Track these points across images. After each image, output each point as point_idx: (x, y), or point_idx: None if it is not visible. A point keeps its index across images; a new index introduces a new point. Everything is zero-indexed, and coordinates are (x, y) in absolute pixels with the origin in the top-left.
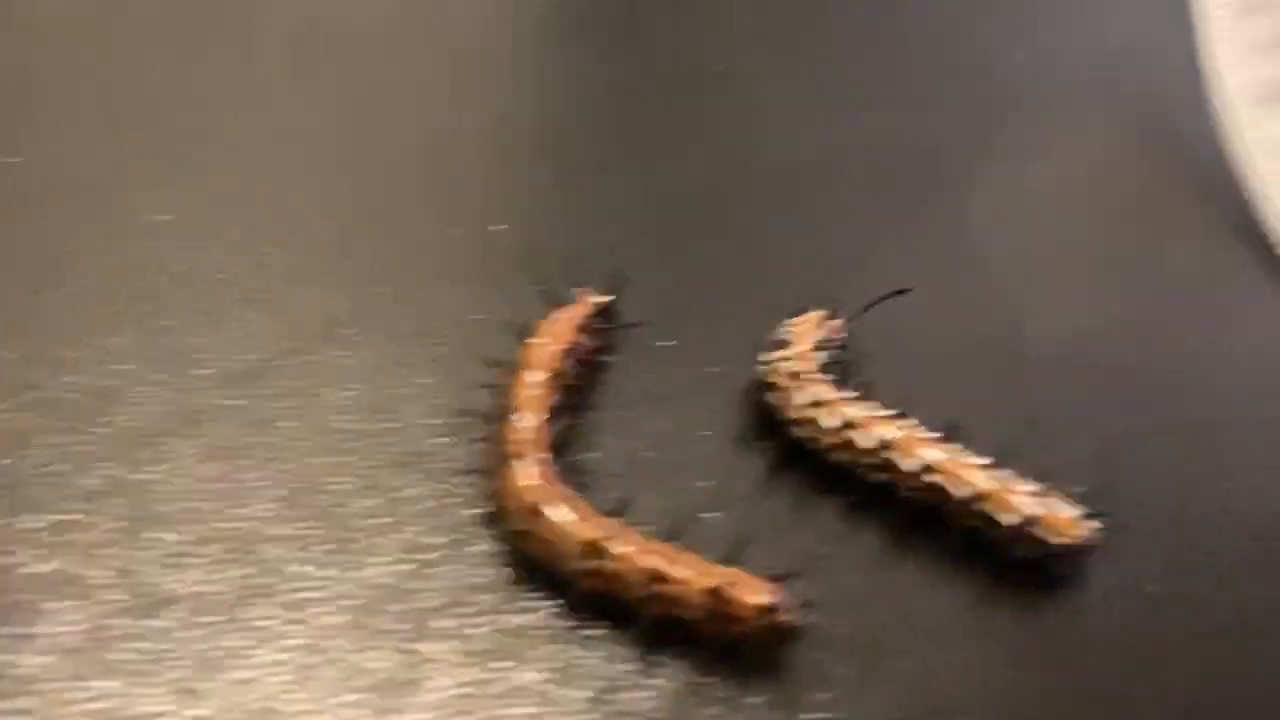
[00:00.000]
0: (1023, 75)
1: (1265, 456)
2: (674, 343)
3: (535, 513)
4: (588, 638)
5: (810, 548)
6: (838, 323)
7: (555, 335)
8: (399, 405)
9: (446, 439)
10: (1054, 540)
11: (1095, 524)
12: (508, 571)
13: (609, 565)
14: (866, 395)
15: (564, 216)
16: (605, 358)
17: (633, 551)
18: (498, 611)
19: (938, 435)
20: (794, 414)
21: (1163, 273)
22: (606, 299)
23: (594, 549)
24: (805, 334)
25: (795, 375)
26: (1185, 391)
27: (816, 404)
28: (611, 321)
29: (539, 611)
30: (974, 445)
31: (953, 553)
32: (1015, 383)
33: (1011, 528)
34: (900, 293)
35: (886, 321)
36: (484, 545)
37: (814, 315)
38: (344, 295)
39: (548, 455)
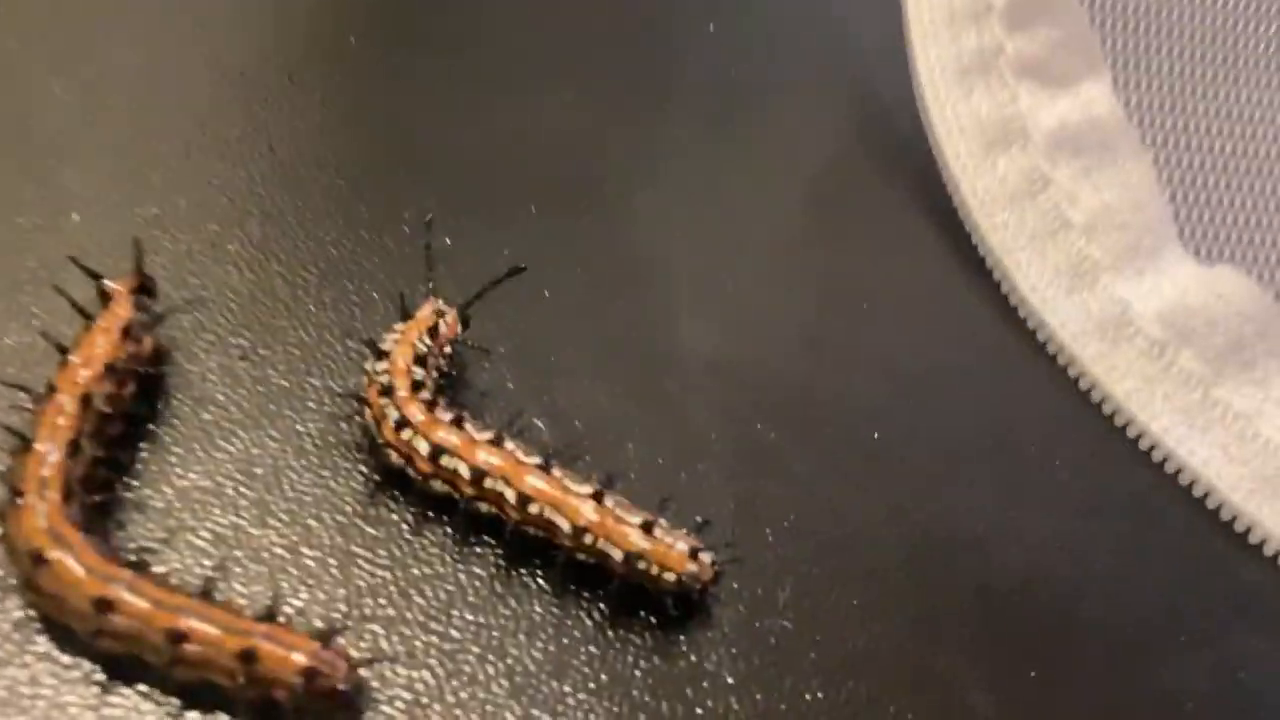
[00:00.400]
0: (706, 58)
1: (917, 479)
2: (267, 352)
3: (40, 560)
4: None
5: (396, 586)
6: (451, 321)
7: (88, 351)
8: None
9: None
10: (664, 576)
11: (709, 559)
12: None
13: (124, 624)
14: (475, 412)
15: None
16: (159, 371)
17: (147, 608)
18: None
19: (539, 462)
20: (387, 436)
21: (841, 272)
22: (137, 298)
23: (106, 604)
24: (408, 340)
25: (388, 391)
26: (848, 409)
27: (407, 426)
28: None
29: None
30: (598, 466)
31: (563, 588)
32: (660, 397)
33: (619, 564)
34: (516, 272)
35: (530, 327)
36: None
37: (423, 313)
38: None
39: (64, 493)
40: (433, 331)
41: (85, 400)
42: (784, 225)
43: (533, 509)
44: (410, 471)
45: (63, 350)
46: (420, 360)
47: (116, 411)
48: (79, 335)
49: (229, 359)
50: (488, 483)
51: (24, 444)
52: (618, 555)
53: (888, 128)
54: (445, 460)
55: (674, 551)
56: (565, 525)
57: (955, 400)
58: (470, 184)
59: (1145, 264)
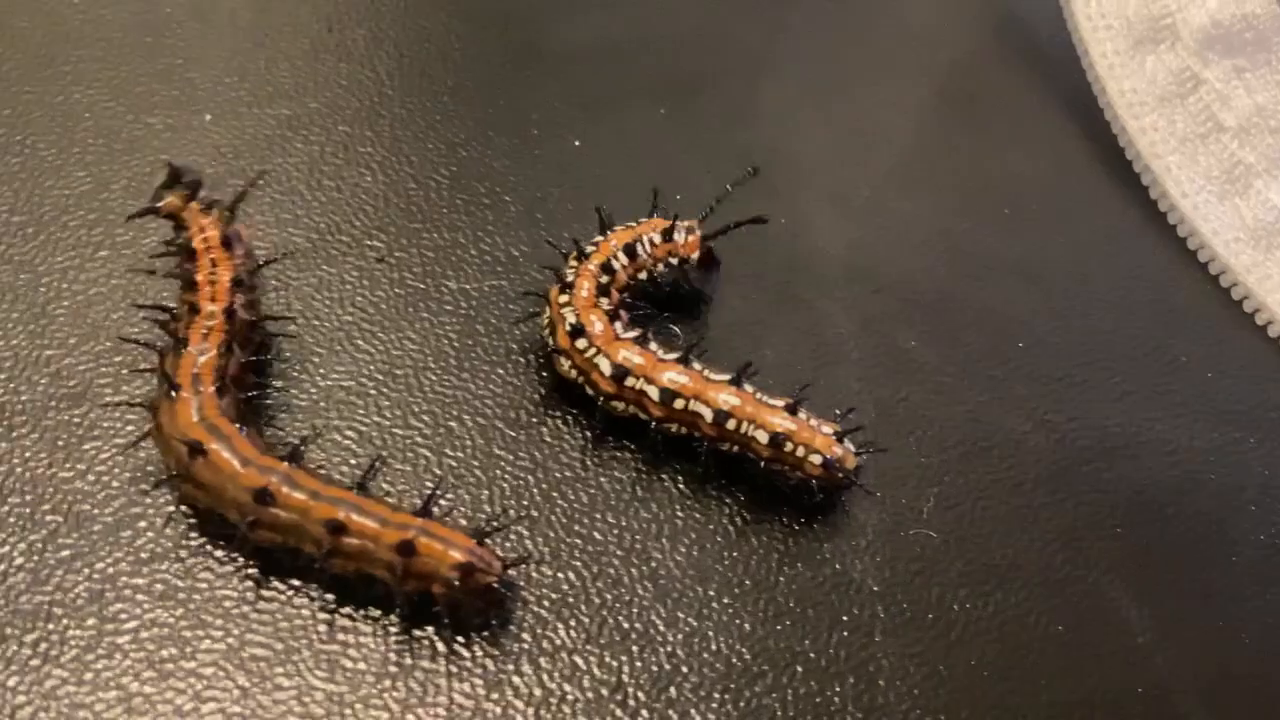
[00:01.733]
0: None
1: (1062, 389)
2: (402, 254)
3: (198, 451)
4: (264, 600)
5: (538, 489)
6: (691, 241)
7: (226, 259)
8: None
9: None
10: (810, 459)
11: (852, 447)
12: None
13: (282, 515)
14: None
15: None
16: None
17: (305, 499)
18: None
19: (677, 357)
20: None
21: (980, 175)
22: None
23: (264, 495)
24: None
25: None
26: (991, 317)
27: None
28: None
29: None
30: (726, 362)
31: (704, 493)
32: (795, 301)
33: (764, 447)
34: (759, 220)
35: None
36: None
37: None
38: None
39: (218, 388)
40: (667, 234)
41: (228, 313)
42: (918, 125)
43: (677, 404)
44: (566, 366)
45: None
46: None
47: (257, 314)
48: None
49: (365, 261)
50: (629, 381)
51: (178, 344)
52: (763, 437)
53: (1027, 24)
54: (589, 353)
55: (820, 434)
56: (708, 413)
57: (1103, 309)
58: (596, 82)
59: None
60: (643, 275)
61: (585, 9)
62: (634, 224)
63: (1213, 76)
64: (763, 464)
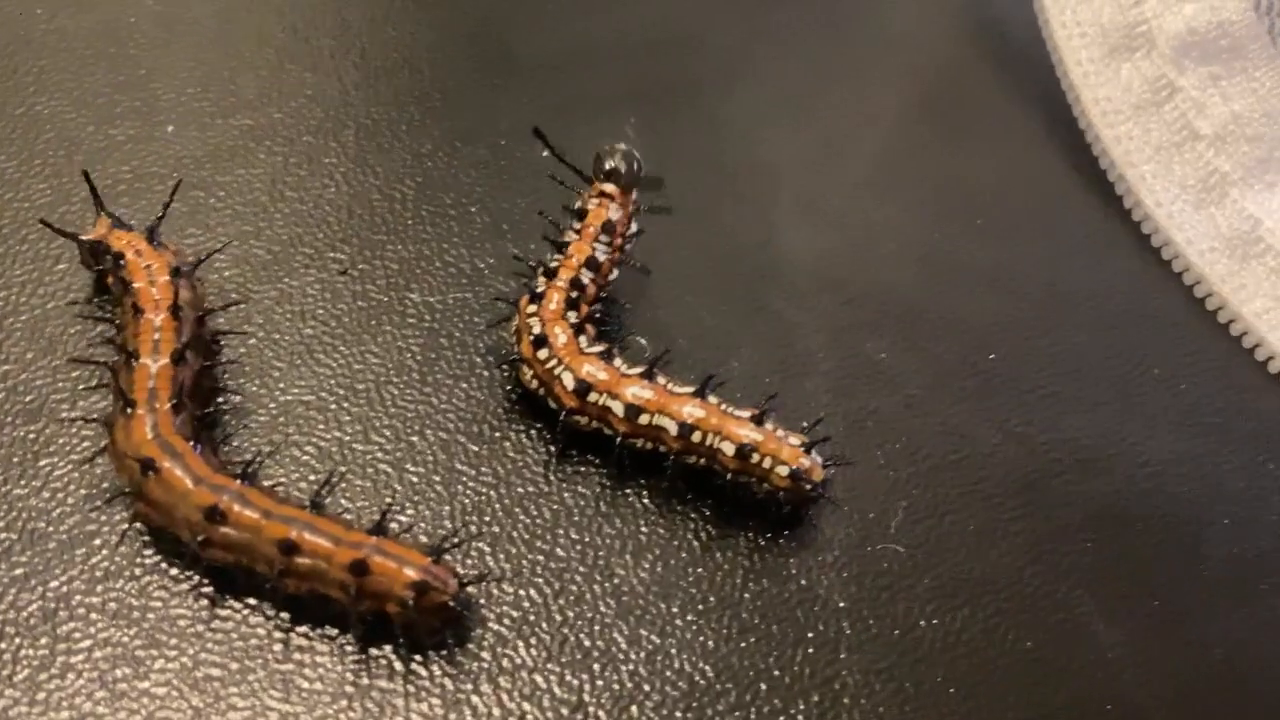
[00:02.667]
0: None
1: (1034, 401)
2: (365, 266)
3: (151, 469)
4: (219, 619)
5: (500, 504)
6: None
7: (158, 255)
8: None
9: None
10: (777, 470)
11: (820, 460)
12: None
13: (234, 534)
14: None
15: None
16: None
17: (258, 518)
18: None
19: (641, 371)
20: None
21: (954, 183)
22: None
23: (216, 514)
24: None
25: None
26: (963, 328)
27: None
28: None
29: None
30: (693, 374)
31: (669, 508)
32: (765, 311)
33: (731, 459)
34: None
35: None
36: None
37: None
38: None
39: (173, 405)
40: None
41: (173, 310)
42: (892, 133)
43: (641, 419)
44: (528, 376)
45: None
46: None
47: (202, 315)
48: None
49: (328, 273)
50: (592, 397)
51: (129, 357)
52: (729, 449)
53: (1003, 31)
54: (550, 365)
55: (787, 445)
56: (673, 427)
57: (1076, 319)
58: (566, 91)
59: (1277, 178)
60: (612, 277)
61: (555, 17)
62: (577, 227)
63: (1188, 84)
64: (729, 476)
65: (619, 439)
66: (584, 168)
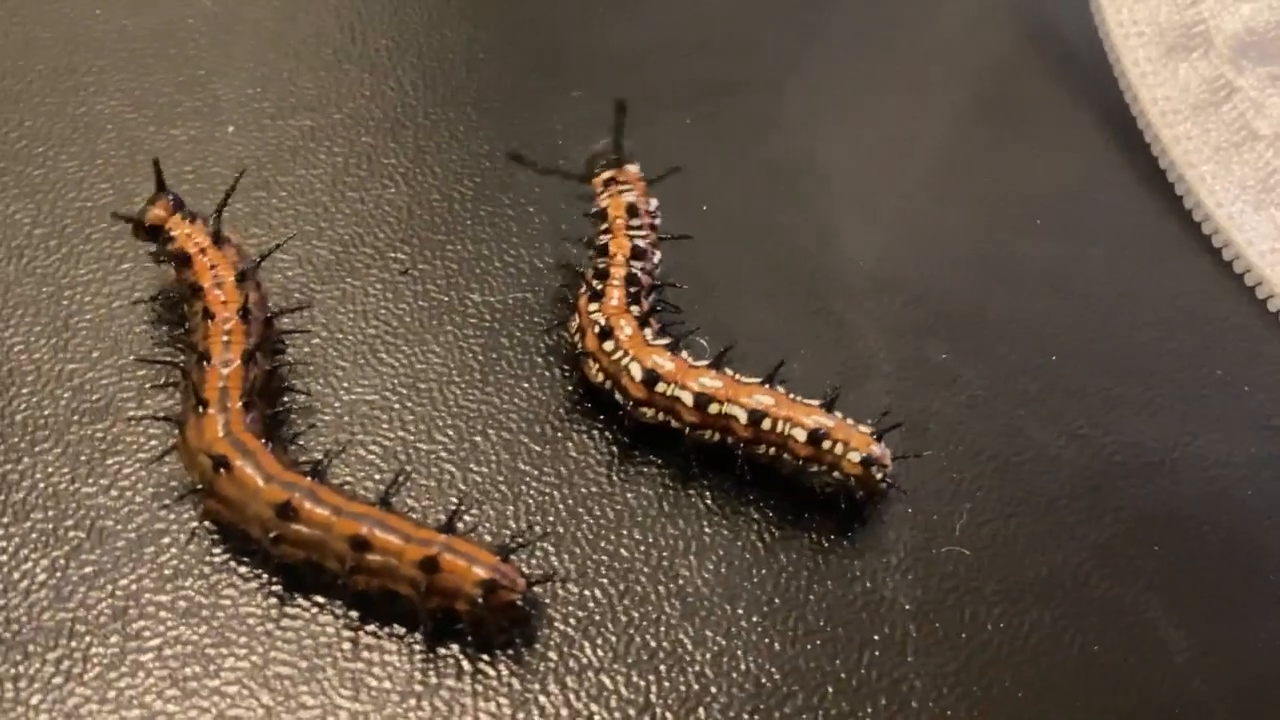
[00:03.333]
0: None
1: (1097, 403)
2: (426, 266)
3: (223, 466)
4: (289, 617)
5: (564, 504)
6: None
7: (223, 258)
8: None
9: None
10: (848, 457)
11: (889, 451)
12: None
13: (305, 530)
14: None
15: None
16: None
17: (329, 515)
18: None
19: (706, 364)
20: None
21: (1011, 183)
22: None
23: (288, 510)
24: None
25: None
26: (1024, 329)
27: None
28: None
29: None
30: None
31: (734, 509)
32: (823, 313)
33: (802, 445)
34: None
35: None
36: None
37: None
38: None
39: (243, 404)
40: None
41: (242, 313)
42: (949, 132)
43: (711, 408)
44: (594, 370)
45: (194, 288)
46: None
47: (270, 316)
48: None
49: (389, 273)
50: (660, 387)
51: (200, 357)
52: (801, 434)
53: (1059, 30)
54: (617, 357)
55: (858, 431)
56: (742, 415)
57: (1137, 320)
58: (621, 91)
59: None
60: (657, 260)
61: (610, 17)
62: (605, 226)
63: (1247, 84)
64: (800, 463)
65: (686, 430)
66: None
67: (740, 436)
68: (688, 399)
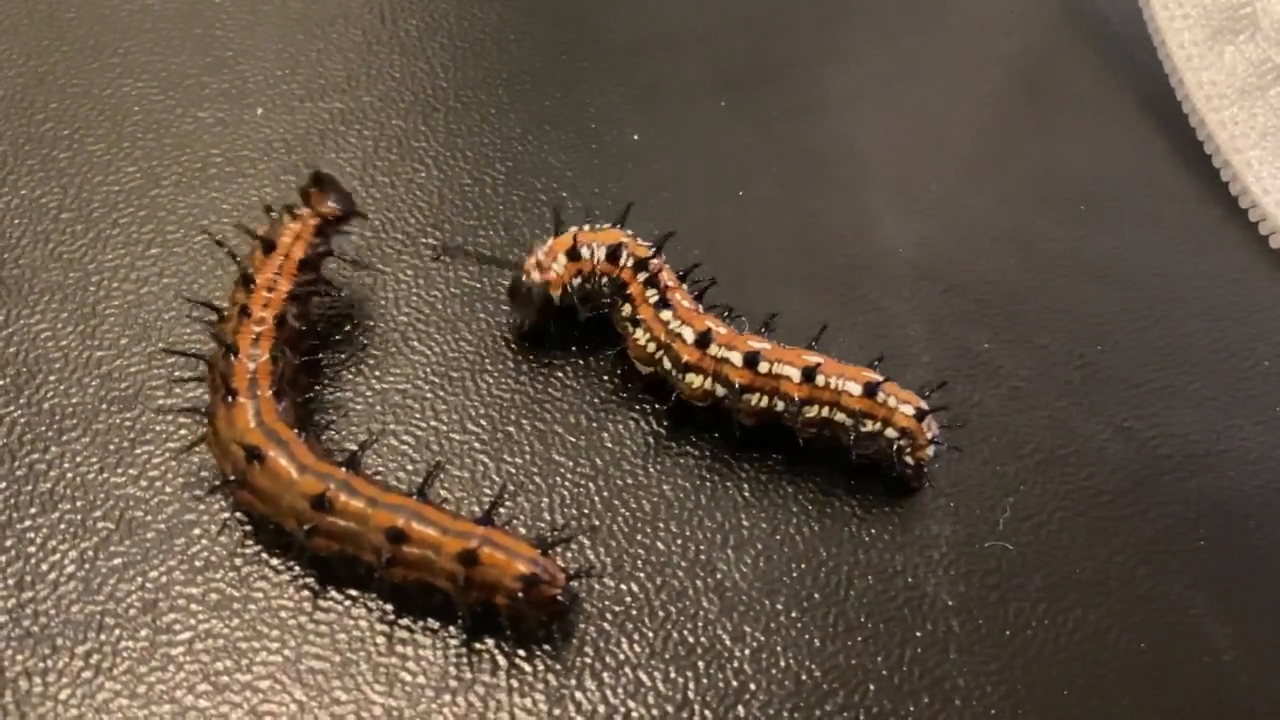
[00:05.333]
0: None
1: (1142, 395)
2: (440, 247)
3: (256, 456)
4: (322, 611)
5: (600, 497)
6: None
7: (277, 259)
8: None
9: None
10: (901, 409)
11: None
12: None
13: (340, 522)
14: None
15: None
16: (348, 279)
17: (364, 506)
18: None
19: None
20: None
21: (1053, 169)
22: (338, 209)
23: (322, 501)
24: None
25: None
26: (1067, 318)
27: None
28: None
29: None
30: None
31: (772, 501)
32: (862, 301)
33: (857, 399)
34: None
35: (722, 226)
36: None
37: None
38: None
39: (273, 392)
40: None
41: (280, 320)
42: (988, 117)
43: (761, 367)
44: (643, 338)
45: (246, 278)
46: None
47: (307, 323)
48: (258, 260)
49: (420, 259)
50: (712, 350)
51: (228, 350)
52: (855, 389)
53: (1101, 12)
54: (673, 325)
55: (906, 392)
56: (795, 373)
57: (1183, 310)
58: (654, 74)
59: None
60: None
61: None
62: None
63: None
64: (852, 422)
65: (736, 394)
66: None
67: (792, 396)
68: (737, 359)
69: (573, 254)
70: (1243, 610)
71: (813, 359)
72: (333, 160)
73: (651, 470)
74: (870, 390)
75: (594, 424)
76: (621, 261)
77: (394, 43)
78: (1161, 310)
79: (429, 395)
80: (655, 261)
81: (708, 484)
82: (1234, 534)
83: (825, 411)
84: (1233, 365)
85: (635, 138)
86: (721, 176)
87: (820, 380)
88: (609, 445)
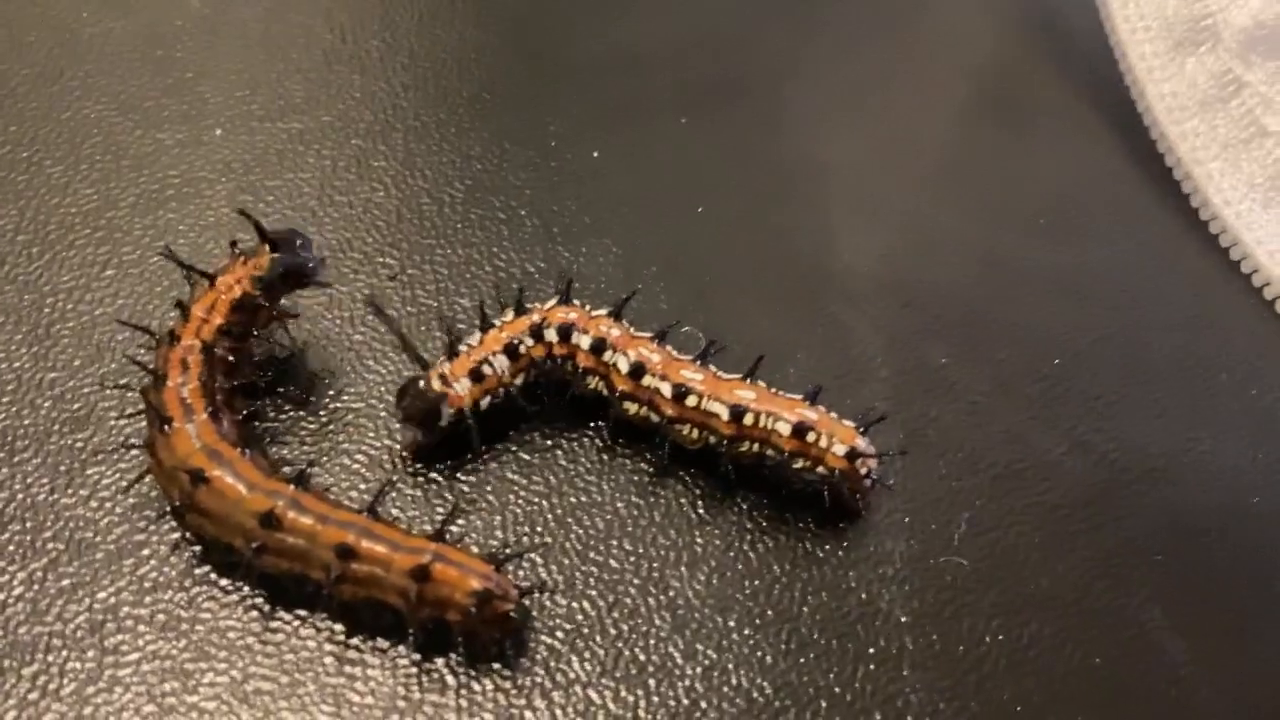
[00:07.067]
0: None
1: (1101, 408)
2: (415, 271)
3: (200, 479)
4: (270, 631)
5: (552, 514)
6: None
7: (213, 295)
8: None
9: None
10: (833, 450)
11: (873, 449)
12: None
13: (289, 540)
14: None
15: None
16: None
17: (313, 523)
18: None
19: (692, 359)
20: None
21: (1013, 183)
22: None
23: (270, 519)
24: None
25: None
26: (1025, 332)
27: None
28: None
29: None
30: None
31: (725, 519)
32: (821, 316)
33: (787, 439)
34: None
35: (683, 241)
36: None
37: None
38: None
39: (211, 413)
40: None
41: (207, 350)
42: (952, 132)
43: (689, 401)
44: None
45: (181, 306)
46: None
47: (239, 360)
48: (198, 291)
49: (377, 279)
50: (646, 380)
51: (157, 380)
52: (785, 428)
53: (1064, 26)
54: (606, 356)
55: (842, 425)
56: (723, 411)
57: (1143, 323)
58: (615, 92)
59: None
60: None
61: (604, 17)
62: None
63: (1256, 79)
64: (784, 458)
65: (666, 422)
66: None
67: (722, 433)
68: (667, 390)
69: (476, 374)
70: (1200, 624)
71: (742, 397)
72: (291, 180)
73: (605, 487)
74: (800, 431)
75: (548, 442)
76: (565, 346)
77: (354, 62)
78: (1121, 323)
79: (383, 414)
80: (608, 334)
81: (661, 501)
82: (1192, 547)
83: (756, 448)
84: (1192, 378)
85: (595, 155)
86: (682, 193)
87: (749, 420)
88: (562, 463)
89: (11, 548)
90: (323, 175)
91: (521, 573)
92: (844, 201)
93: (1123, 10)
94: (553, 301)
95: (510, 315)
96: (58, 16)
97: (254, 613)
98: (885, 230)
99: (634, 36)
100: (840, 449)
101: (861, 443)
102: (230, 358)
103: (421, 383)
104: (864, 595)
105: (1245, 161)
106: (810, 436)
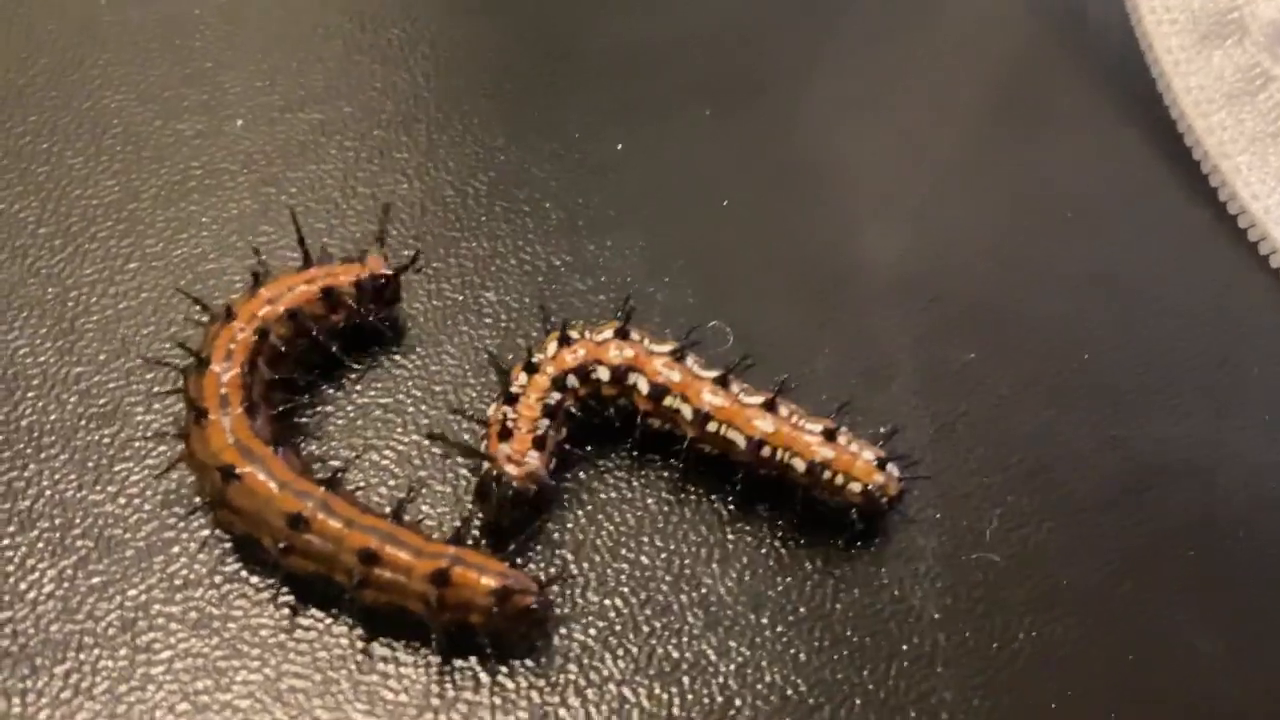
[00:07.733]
0: None
1: (1130, 403)
2: (439, 264)
3: (231, 475)
4: (302, 629)
5: (583, 510)
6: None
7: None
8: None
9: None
10: (850, 487)
11: (895, 471)
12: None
13: (316, 541)
14: (654, 330)
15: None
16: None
17: (340, 527)
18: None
19: (717, 375)
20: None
21: (1038, 177)
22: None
23: (299, 520)
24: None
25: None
26: (1052, 328)
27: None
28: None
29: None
30: (772, 379)
31: (755, 515)
32: (846, 313)
33: (801, 475)
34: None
35: (707, 238)
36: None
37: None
38: None
39: (247, 408)
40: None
41: (262, 333)
42: (972, 125)
43: (709, 426)
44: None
45: (256, 277)
46: None
47: (289, 351)
48: (277, 275)
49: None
50: (667, 400)
51: (200, 363)
52: (800, 465)
53: (1088, 18)
54: (630, 379)
55: (860, 460)
56: (741, 441)
57: (1169, 318)
58: (638, 84)
59: None
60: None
61: (627, 9)
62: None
63: None
64: (802, 489)
65: (687, 442)
66: None
67: (739, 460)
68: (688, 413)
69: (539, 442)
70: (1231, 621)
71: (760, 429)
72: (313, 171)
73: (635, 484)
74: (814, 470)
75: (578, 437)
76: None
77: (375, 53)
78: (1148, 318)
79: (410, 410)
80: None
81: (692, 498)
82: (1222, 544)
83: (775, 473)
84: (1220, 373)
85: (619, 148)
86: (706, 187)
87: (765, 452)
88: (592, 458)
89: (41, 545)
90: (345, 167)
91: (552, 570)
92: (865, 198)
93: (1149, 2)
94: (559, 349)
95: (552, 348)
96: (76, 6)
97: (286, 610)
98: (908, 227)
99: (655, 30)
100: (856, 487)
101: (880, 478)
102: (283, 347)
103: (502, 478)
104: (896, 592)
105: (1273, 155)
106: (825, 475)
